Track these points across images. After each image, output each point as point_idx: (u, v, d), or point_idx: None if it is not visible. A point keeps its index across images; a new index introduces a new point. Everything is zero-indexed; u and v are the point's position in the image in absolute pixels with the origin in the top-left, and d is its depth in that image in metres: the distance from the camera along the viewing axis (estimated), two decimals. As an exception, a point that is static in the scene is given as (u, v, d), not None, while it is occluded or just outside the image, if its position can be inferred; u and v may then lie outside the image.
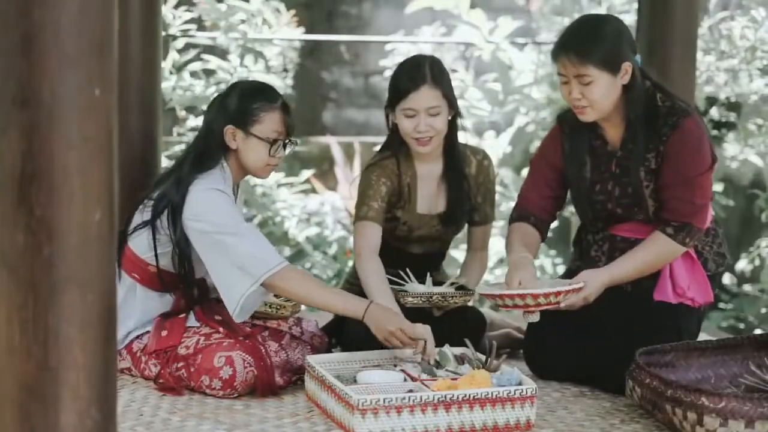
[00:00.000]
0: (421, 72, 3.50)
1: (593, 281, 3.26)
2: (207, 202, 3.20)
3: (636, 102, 3.31)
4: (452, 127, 3.60)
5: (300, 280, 3.20)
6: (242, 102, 3.31)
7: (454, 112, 3.58)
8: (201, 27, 6.34)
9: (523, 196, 3.56)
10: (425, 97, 3.48)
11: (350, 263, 4.69)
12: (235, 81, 3.58)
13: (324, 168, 7.69)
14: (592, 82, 3.23)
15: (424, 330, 3.15)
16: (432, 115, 3.49)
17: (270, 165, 3.36)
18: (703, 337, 3.57)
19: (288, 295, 3.27)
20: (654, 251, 3.31)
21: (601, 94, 3.24)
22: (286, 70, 7.06)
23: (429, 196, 3.67)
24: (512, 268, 3.28)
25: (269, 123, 3.31)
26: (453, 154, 3.65)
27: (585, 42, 3.24)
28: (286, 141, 3.37)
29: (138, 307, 3.34)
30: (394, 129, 3.60)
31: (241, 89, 3.37)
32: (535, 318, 3.23)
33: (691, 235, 3.29)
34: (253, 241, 3.16)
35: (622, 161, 3.37)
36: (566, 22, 7.11)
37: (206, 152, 3.31)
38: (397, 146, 3.62)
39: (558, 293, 3.17)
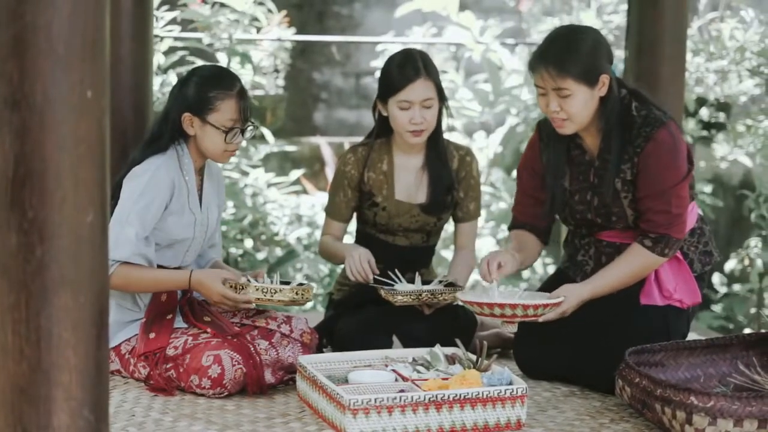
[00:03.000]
0: (416, 65, 3.60)
1: (572, 296, 3.26)
2: (134, 180, 3.28)
3: (610, 113, 3.30)
4: (438, 119, 3.69)
5: (125, 275, 3.23)
6: (199, 90, 3.34)
7: (441, 105, 3.66)
8: (185, 28, 6.29)
9: (515, 206, 3.62)
10: (420, 89, 3.57)
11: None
12: (195, 67, 3.60)
13: (315, 168, 7.70)
14: (570, 95, 3.22)
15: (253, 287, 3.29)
16: (426, 107, 3.59)
17: (228, 151, 3.39)
18: (692, 336, 3.58)
19: (123, 291, 3.32)
20: (633, 264, 3.31)
21: (579, 107, 3.24)
22: (277, 71, 7.06)
23: (408, 185, 3.75)
24: (492, 253, 3.36)
25: (225, 112, 3.33)
26: (437, 145, 3.74)
27: (563, 54, 3.22)
28: (245, 127, 3.39)
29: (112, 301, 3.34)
30: (380, 120, 3.71)
31: (199, 76, 3.39)
32: (513, 329, 3.25)
33: (670, 246, 3.29)
34: (114, 237, 3.17)
35: (600, 171, 3.37)
36: (556, 22, 7.13)
37: (160, 137, 3.38)
38: (376, 136, 3.75)
39: (536, 306, 3.17)
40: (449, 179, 3.73)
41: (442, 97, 3.65)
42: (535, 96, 6.70)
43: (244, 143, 6.02)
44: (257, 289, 3.27)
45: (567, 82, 3.21)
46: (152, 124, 3.51)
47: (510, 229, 3.65)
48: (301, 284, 3.37)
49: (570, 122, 3.27)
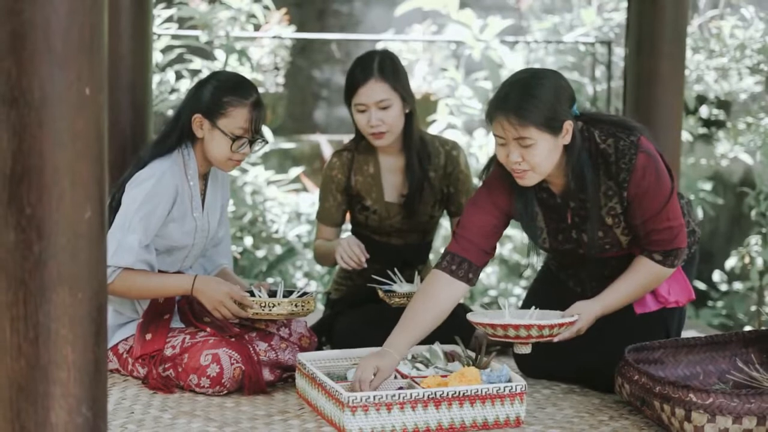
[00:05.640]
0: (369, 66, 3.58)
1: (586, 314, 3.16)
2: (138, 186, 3.26)
3: (576, 161, 3.11)
4: (409, 122, 3.64)
5: (128, 281, 3.21)
6: (215, 93, 3.31)
7: (410, 108, 3.62)
8: (182, 26, 6.28)
9: (465, 237, 3.21)
10: (372, 90, 3.55)
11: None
12: (217, 71, 3.57)
13: (315, 166, 7.70)
14: (533, 144, 3.01)
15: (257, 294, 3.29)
16: (382, 109, 3.55)
17: (233, 160, 3.34)
18: (692, 333, 3.59)
19: (125, 297, 3.29)
20: (644, 277, 3.22)
21: (543, 156, 3.03)
22: (277, 68, 7.06)
23: (396, 186, 3.74)
24: (371, 357, 3.00)
25: (236, 119, 3.29)
26: (410, 148, 3.68)
27: (524, 102, 2.99)
28: (254, 139, 3.34)
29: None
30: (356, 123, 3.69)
31: (218, 80, 3.36)
32: (527, 350, 3.12)
33: (679, 257, 3.21)
34: (116, 244, 3.18)
35: (579, 211, 3.22)
36: (556, 20, 7.13)
37: (169, 135, 3.36)
38: (358, 139, 3.72)
39: (552, 326, 3.07)
40: (423, 178, 3.69)
41: (406, 100, 3.59)
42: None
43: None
44: (255, 303, 3.24)
45: (529, 131, 2.99)
46: (165, 123, 3.48)
47: (440, 266, 3.18)
48: (304, 293, 3.34)
49: (532, 173, 3.06)
